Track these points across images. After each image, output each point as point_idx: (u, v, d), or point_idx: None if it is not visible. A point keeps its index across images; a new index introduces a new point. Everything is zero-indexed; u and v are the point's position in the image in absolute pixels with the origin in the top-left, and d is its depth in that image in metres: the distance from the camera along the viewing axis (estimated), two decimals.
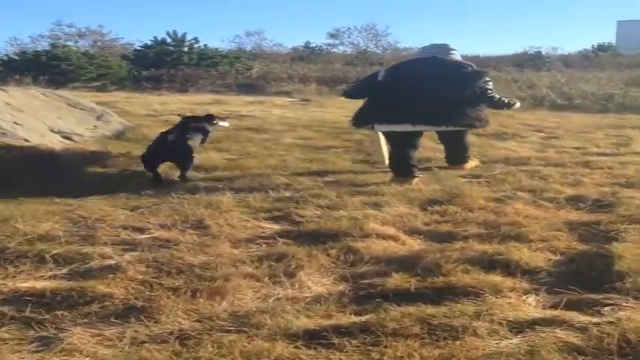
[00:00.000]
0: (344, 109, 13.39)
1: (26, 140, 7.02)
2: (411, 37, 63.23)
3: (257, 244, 4.32)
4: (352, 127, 7.55)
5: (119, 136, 8.50)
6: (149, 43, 26.24)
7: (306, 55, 35.43)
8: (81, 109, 9.06)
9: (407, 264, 3.89)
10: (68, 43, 31.41)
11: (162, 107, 12.90)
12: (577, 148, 8.75)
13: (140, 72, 23.25)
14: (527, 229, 4.58)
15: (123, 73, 23.43)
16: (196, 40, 26.10)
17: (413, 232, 4.65)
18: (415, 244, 4.37)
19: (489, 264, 3.83)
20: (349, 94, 8.11)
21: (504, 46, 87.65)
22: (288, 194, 5.73)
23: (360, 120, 7.31)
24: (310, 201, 5.41)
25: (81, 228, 4.56)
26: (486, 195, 5.75)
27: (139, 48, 27.21)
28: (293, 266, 3.79)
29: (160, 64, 23.88)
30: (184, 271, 3.70)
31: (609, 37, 47.72)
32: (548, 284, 3.58)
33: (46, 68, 21.69)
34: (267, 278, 3.61)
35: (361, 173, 6.80)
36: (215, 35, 73.97)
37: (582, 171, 6.96)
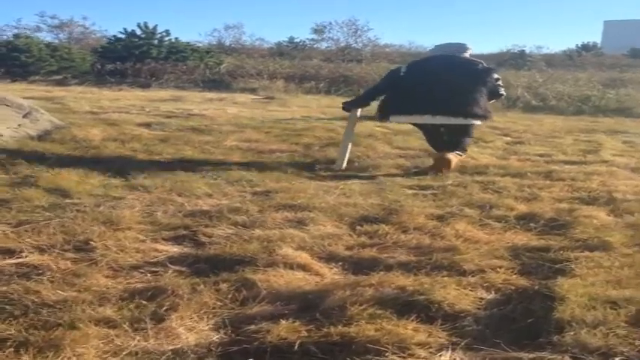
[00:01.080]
0: (306, 107, 12.85)
1: None
2: (392, 33, 62.37)
3: (141, 272, 3.65)
4: (378, 119, 7.93)
5: (43, 136, 7.81)
6: (119, 35, 25.48)
7: (289, 50, 34.76)
8: (6, 105, 8.37)
9: (308, 304, 3.23)
10: (39, 34, 30.73)
11: (110, 104, 12.23)
12: (541, 155, 8.17)
13: (104, 65, 22.49)
14: (463, 257, 3.94)
15: (86, 67, 22.71)
16: (167, 32, 25.33)
17: (330, 258, 3.99)
18: (328, 276, 3.70)
19: (405, 306, 3.17)
20: (353, 105, 7.96)
21: (489, 44, 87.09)
22: (205, 207, 5.09)
23: (386, 112, 7.59)
24: (226, 216, 4.77)
25: None
26: (429, 211, 5.13)
27: (109, 40, 26.46)
28: (166, 306, 3.13)
29: (127, 58, 23.12)
30: (29, 312, 3.03)
31: (596, 36, 47.38)
32: (471, 336, 2.92)
33: (6, 60, 20.95)
34: (127, 324, 2.93)
35: (298, 183, 6.15)
36: (195, 29, 72.96)
37: (542, 183, 6.35)
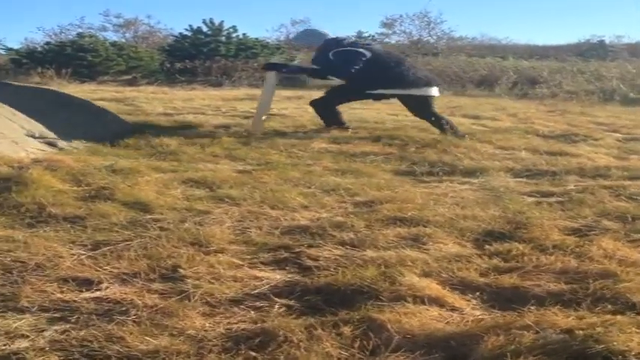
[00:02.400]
0: (390, 105, 12.23)
1: None
2: (465, 25, 61.26)
3: (242, 308, 3.10)
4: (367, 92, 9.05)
5: (114, 141, 7.33)
6: (184, 32, 25.04)
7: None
8: (76, 107, 7.92)
9: (454, 354, 2.65)
10: (104, 34, 30.53)
11: (184, 105, 11.71)
12: None
13: (173, 64, 22.07)
14: (626, 286, 3.32)
15: (154, 66, 22.34)
16: (234, 28, 24.78)
17: (464, 287, 3.40)
18: (467, 311, 3.10)
19: (578, 358, 2.58)
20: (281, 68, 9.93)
21: (565, 34, 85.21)
22: (303, 222, 4.53)
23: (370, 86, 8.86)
24: (330, 234, 4.21)
25: (7, 280, 3.36)
26: (561, 224, 4.51)
27: (176, 37, 26.05)
28: None
29: (196, 56, 22.66)
30: None
31: None
32: None
33: (71, 60, 20.63)
34: None
35: (402, 190, 5.56)
36: (261, 25, 72.55)
37: None
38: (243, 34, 24.92)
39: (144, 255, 3.73)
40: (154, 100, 12.15)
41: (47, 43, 24.75)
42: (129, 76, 21.10)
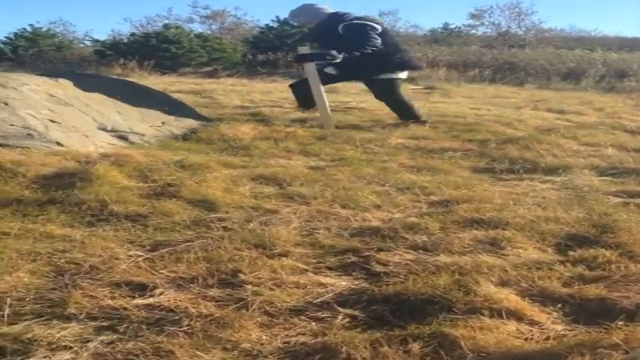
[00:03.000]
0: (471, 98, 11.97)
1: (58, 144, 5.75)
2: (554, 16, 59.95)
3: (303, 319, 2.89)
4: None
5: (189, 135, 7.17)
6: (271, 24, 24.96)
7: (443, 37, 33.56)
8: (146, 100, 7.79)
9: None
10: (191, 25, 30.60)
11: (262, 97, 11.58)
12: None
13: (255, 56, 22.00)
14: None
15: (237, 58, 22.28)
16: None
17: (545, 299, 3.13)
18: (548, 326, 2.84)
19: None
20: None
21: None
22: (375, 223, 4.30)
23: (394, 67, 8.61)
24: (402, 236, 3.98)
25: (58, 284, 3.20)
26: None
27: (262, 29, 25.99)
28: None
29: (280, 48, 22.54)
30: None
31: None
32: None
33: (155, 51, 20.67)
34: None
35: (481, 189, 5.29)
36: None
37: None
38: None
39: (204, 257, 3.55)
40: (231, 93, 12.03)
41: (132, 35, 24.89)
42: (210, 68, 21.10)
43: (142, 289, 3.16)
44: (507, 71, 19.23)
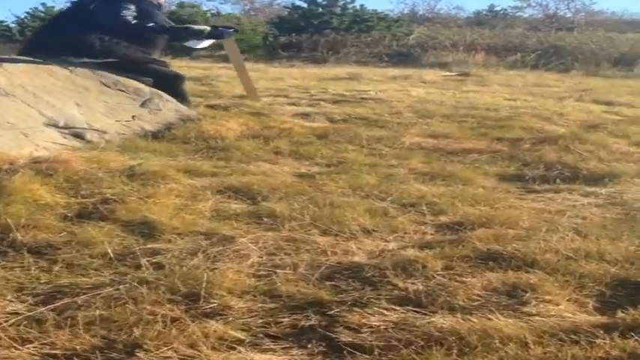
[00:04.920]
0: (509, 86, 11.05)
1: None
2: None
3: None
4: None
5: (162, 132, 6.24)
6: (297, 3, 24.12)
7: (488, 20, 32.48)
8: (120, 90, 6.87)
9: None
10: (223, 6, 29.96)
11: (269, 85, 10.64)
12: None
13: (277, 38, 21.11)
14: None
15: (257, 40, 21.40)
16: None
17: None
18: None
19: None
20: None
21: None
22: (358, 258, 3.39)
23: None
24: (390, 281, 3.06)
25: None
26: None
27: (288, 8, 25.15)
28: None
29: (304, 29, 21.66)
30: None
31: None
32: None
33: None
34: None
35: (504, 206, 4.35)
36: None
37: None
38: (361, 6, 23.88)
39: (103, 319, 2.63)
40: (235, 79, 11.13)
41: None
42: (224, 52, 20.24)
43: None
44: (553, 56, 18.30)
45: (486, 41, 20.81)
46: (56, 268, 3.14)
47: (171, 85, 7.34)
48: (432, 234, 3.83)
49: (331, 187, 4.67)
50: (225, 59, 18.41)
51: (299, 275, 3.15)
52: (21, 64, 6.82)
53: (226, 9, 28.96)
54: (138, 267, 3.17)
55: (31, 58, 7.04)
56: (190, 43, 7.90)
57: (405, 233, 3.82)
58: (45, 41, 7.52)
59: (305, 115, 7.56)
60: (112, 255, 3.30)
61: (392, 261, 3.28)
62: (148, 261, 3.23)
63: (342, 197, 4.42)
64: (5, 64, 6.52)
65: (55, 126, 5.69)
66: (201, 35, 7.79)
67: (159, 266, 3.18)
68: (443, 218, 4.10)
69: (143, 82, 7.27)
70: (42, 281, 3.01)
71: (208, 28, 7.85)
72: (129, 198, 4.09)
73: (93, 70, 7.01)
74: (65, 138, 5.59)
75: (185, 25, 8.00)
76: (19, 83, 6.15)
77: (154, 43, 7.75)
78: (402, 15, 29.81)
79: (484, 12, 34.80)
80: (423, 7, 36.54)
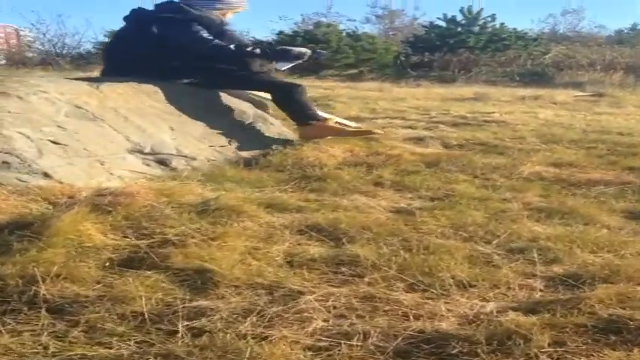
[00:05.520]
0: None
1: (46, 175, 4.31)
2: None
3: None
4: None
5: (255, 159, 5.69)
6: (437, 22, 23.67)
7: (629, 38, 31.16)
8: (222, 112, 6.33)
9: None
10: (365, 25, 29.86)
11: (388, 106, 10.03)
12: None
13: (408, 57, 20.53)
14: None
15: (388, 59, 20.90)
16: (492, 17, 23.12)
17: None
18: None
19: None
20: None
21: None
22: (447, 325, 2.71)
23: None
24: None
25: None
26: None
27: (425, 27, 24.73)
28: None
29: (439, 48, 21.08)
30: None
31: None
32: None
33: None
34: None
35: (632, 254, 3.61)
36: (528, 15, 68.98)
37: None
38: (501, 24, 23.28)
39: None
40: (356, 99, 10.55)
41: (279, 33, 23.78)
42: (355, 70, 19.83)
43: None
44: None
45: (626, 60, 19.80)
46: (74, 332, 2.56)
47: (290, 95, 6.61)
48: (541, 290, 3.13)
49: (431, 226, 4.00)
50: (351, 77, 18.01)
51: (367, 350, 2.50)
52: (121, 84, 6.27)
53: (364, 28, 28.61)
54: (172, 333, 2.57)
55: (131, 79, 6.45)
56: (279, 65, 7.25)
57: (509, 289, 3.12)
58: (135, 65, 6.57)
59: (418, 140, 6.91)
60: (146, 316, 2.71)
61: (487, 331, 2.59)
62: (186, 326, 2.63)
63: (441, 239, 3.76)
64: (102, 86, 6.00)
65: (140, 152, 5.18)
66: (296, 57, 7.09)
67: (198, 332, 2.58)
68: (556, 269, 3.38)
69: (253, 103, 6.76)
70: (50, 351, 2.44)
71: (309, 52, 7.12)
72: (191, 240, 3.49)
73: (200, 91, 6.49)
74: (148, 165, 5.08)
75: (285, 47, 7.30)
76: (112, 106, 5.64)
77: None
78: (542, 34, 28.93)
79: (626, 30, 33.49)
80: (564, 25, 35.52)
